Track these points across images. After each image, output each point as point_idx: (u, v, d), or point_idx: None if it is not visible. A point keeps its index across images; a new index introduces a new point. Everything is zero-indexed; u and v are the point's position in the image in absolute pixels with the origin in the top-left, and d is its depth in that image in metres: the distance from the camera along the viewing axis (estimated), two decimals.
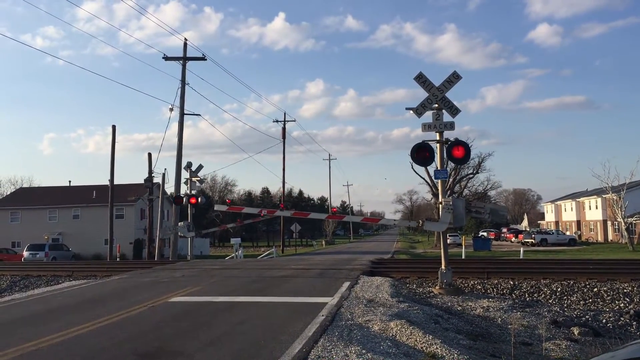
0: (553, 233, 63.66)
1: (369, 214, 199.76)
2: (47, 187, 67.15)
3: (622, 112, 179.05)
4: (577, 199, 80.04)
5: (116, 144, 39.04)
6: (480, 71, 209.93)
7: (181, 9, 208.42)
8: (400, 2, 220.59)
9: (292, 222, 58.18)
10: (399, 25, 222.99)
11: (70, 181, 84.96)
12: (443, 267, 13.90)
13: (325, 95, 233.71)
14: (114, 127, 39.03)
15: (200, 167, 28.53)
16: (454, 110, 14.00)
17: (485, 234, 72.59)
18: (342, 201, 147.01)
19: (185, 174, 28.72)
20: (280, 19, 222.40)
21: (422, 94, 14.09)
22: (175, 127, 34.26)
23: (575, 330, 9.79)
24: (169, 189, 37.54)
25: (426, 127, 14.02)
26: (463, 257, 30.84)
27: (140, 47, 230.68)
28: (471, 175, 68.90)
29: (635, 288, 13.85)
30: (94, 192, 56.46)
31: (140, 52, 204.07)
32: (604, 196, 62.87)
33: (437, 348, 7.37)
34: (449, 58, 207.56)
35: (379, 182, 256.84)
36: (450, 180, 58.88)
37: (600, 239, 69.14)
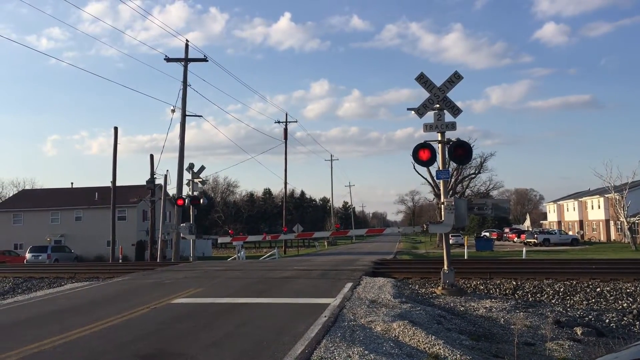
0: (555, 233, 63.55)
1: (371, 215, 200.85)
2: (50, 189, 67.35)
3: (626, 111, 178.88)
4: (580, 199, 79.94)
5: (120, 145, 39.25)
6: (486, 71, 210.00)
7: (186, 9, 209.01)
8: (406, 2, 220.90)
9: (294, 223, 58.19)
10: (405, 25, 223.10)
11: (72, 183, 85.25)
12: (445, 267, 13.88)
13: (329, 96, 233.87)
14: (115, 128, 39.14)
15: (202, 168, 28.56)
16: (456, 111, 13.98)
17: (487, 234, 72.42)
18: (344, 202, 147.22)
19: (187, 176, 28.74)
20: (286, 19, 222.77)
21: (426, 94, 14.08)
22: (177, 128, 34.38)
23: (579, 331, 9.77)
24: (171, 190, 37.68)
25: (428, 127, 14.00)
26: (465, 258, 30.84)
27: (144, 48, 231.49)
28: (473, 176, 68.92)
29: (638, 288, 13.82)
30: (97, 193, 56.53)
31: (145, 53, 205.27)
32: (606, 196, 62.80)
33: (439, 349, 7.36)
34: (455, 58, 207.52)
35: (382, 182, 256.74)
36: (452, 180, 58.85)
37: (602, 238, 69.02)
